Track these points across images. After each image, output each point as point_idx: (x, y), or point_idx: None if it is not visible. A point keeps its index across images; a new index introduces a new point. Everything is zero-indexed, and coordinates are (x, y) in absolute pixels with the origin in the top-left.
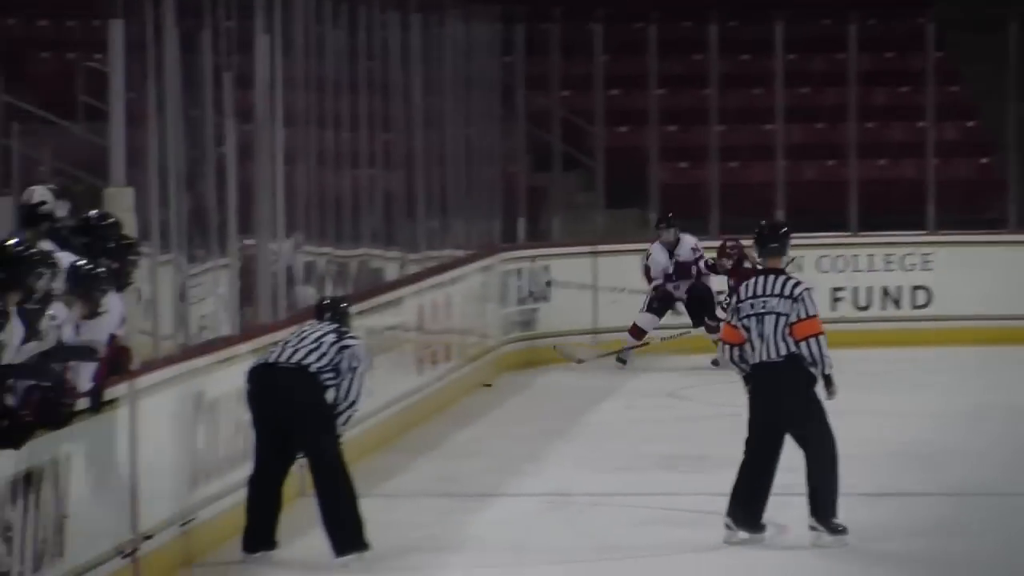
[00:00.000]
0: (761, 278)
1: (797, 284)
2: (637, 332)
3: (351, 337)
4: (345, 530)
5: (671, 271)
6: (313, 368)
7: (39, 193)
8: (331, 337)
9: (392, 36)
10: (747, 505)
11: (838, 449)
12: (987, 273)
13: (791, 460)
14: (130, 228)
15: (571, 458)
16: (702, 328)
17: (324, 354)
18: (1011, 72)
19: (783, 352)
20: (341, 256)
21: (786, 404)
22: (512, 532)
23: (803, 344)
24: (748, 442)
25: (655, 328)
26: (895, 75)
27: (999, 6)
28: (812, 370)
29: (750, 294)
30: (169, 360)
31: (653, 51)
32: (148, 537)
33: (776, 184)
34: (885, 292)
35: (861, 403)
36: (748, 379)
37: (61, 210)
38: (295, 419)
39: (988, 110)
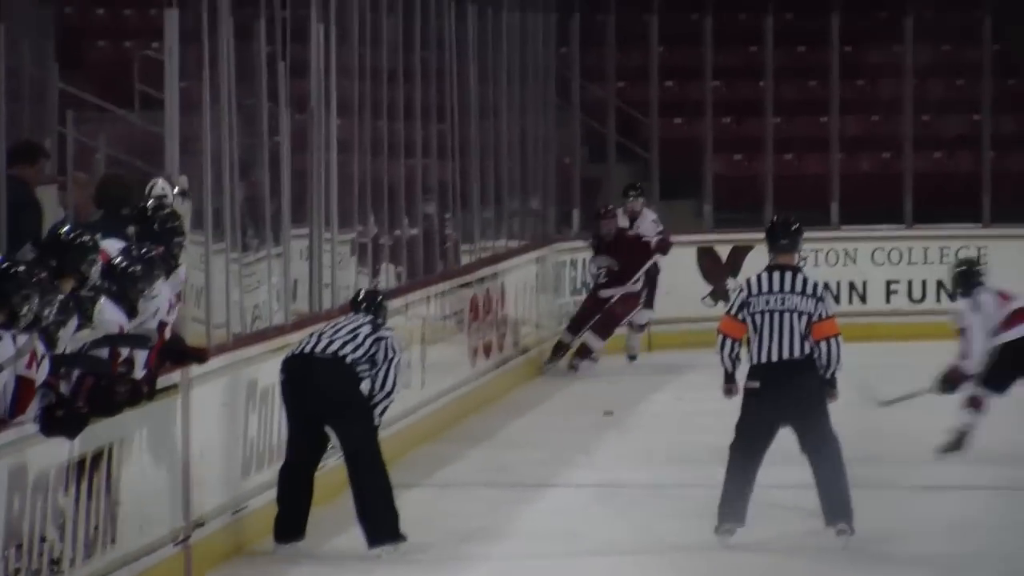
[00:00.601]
0: (776, 273)
1: (816, 282)
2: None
3: (387, 328)
4: (379, 521)
5: None
6: (349, 359)
7: (160, 186)
8: (367, 328)
9: (447, 26)
10: (740, 500)
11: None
12: None
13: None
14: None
15: (622, 449)
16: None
17: (360, 345)
18: None
19: (805, 351)
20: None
21: (801, 404)
22: (563, 522)
23: (823, 343)
24: (742, 440)
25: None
26: (951, 67)
27: None
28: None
29: (765, 289)
30: (222, 348)
31: (708, 42)
32: (200, 525)
33: (831, 176)
34: (939, 285)
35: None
36: (749, 376)
37: (180, 207)
38: (330, 409)
39: None
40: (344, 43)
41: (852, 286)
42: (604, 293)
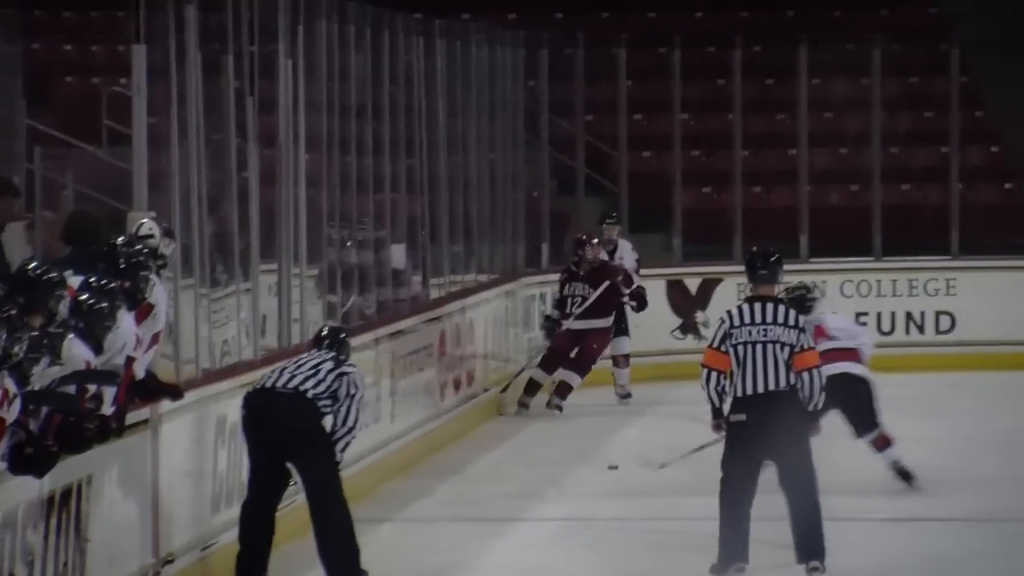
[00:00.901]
0: (758, 304)
1: (797, 314)
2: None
3: (349, 364)
4: (340, 558)
5: None
6: (310, 394)
7: (148, 226)
8: (329, 364)
9: (415, 60)
10: (740, 537)
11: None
12: (1011, 299)
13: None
14: None
15: (592, 483)
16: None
17: (321, 380)
18: None
19: (790, 382)
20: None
21: (783, 436)
22: (532, 557)
23: (805, 374)
24: (732, 476)
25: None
26: (919, 100)
27: (1023, 30)
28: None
29: (747, 320)
30: (191, 384)
31: (676, 76)
32: (169, 561)
33: (800, 209)
34: (909, 317)
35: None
36: (734, 409)
37: (167, 248)
38: (291, 445)
39: (1013, 135)
40: (312, 78)
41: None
42: (577, 325)
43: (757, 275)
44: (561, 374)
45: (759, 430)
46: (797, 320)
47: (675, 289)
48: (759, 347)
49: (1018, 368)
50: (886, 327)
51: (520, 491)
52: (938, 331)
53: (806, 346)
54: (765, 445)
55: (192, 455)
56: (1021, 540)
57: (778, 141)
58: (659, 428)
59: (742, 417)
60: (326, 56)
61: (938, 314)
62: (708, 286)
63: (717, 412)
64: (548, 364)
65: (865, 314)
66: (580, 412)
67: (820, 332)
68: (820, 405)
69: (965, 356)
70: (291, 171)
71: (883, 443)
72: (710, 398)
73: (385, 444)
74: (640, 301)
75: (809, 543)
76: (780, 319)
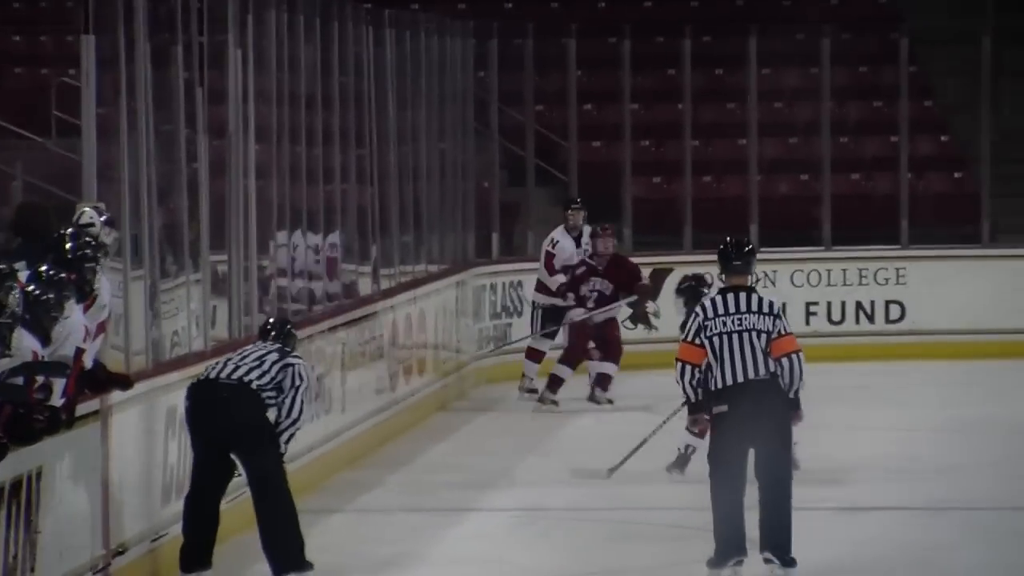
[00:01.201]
0: (731, 295)
1: (771, 300)
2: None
3: (295, 356)
4: (284, 550)
5: (575, 262)
6: (254, 385)
7: (88, 215)
8: (274, 356)
9: (365, 51)
10: (737, 531)
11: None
12: (960, 288)
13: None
14: None
15: (543, 473)
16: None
17: (266, 372)
18: (984, 86)
19: (769, 369)
20: (315, 272)
21: (766, 425)
22: (485, 547)
23: (784, 360)
24: (720, 469)
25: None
26: (869, 90)
27: (971, 19)
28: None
29: (721, 311)
30: (141, 375)
31: (626, 66)
32: (120, 552)
33: (750, 199)
34: (859, 307)
35: (834, 417)
36: (715, 401)
37: (107, 237)
38: (235, 436)
39: (961, 124)
40: (262, 69)
41: None
42: (598, 318)
43: (731, 266)
44: (597, 367)
45: (743, 419)
46: (772, 306)
47: None
48: (735, 337)
49: (968, 357)
50: (836, 317)
51: (472, 481)
52: (888, 320)
53: (783, 332)
54: (750, 433)
55: (142, 446)
56: (971, 527)
57: (728, 131)
58: (611, 418)
59: (724, 408)
60: (276, 46)
61: (888, 303)
62: (659, 275)
63: (694, 407)
64: (571, 360)
65: (815, 304)
66: (531, 403)
67: None
68: (800, 392)
69: (915, 345)
70: (241, 162)
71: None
72: (686, 393)
73: (336, 435)
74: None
75: (776, 534)
76: (755, 307)
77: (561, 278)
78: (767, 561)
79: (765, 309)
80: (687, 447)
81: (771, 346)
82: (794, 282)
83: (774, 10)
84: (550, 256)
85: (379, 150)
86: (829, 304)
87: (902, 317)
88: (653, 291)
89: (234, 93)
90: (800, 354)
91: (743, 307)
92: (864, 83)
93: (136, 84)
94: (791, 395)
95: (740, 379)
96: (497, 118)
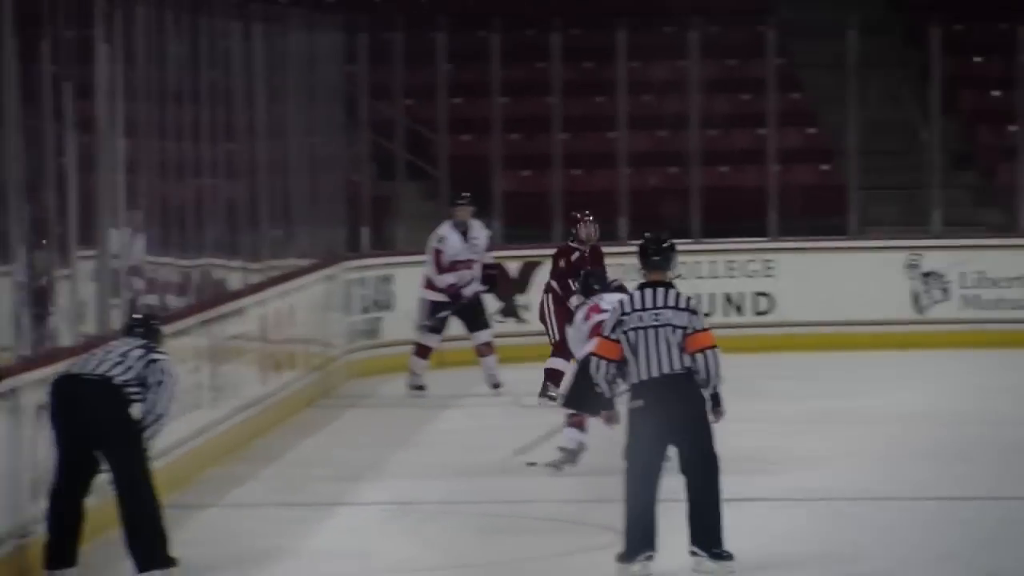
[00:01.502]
0: (649, 290)
1: (689, 297)
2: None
3: (160, 352)
4: (147, 547)
5: (463, 259)
6: (118, 380)
7: None
8: (138, 351)
9: (234, 45)
10: (648, 526)
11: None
12: (828, 280)
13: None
14: None
15: (414, 466)
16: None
17: (130, 367)
18: (851, 79)
19: (684, 364)
20: (183, 266)
21: (683, 419)
22: (356, 541)
23: (699, 356)
24: (635, 464)
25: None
26: (736, 82)
27: (839, 12)
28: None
29: (638, 306)
30: (8, 371)
31: (496, 59)
32: None
33: (619, 192)
34: (728, 299)
35: None
36: (632, 396)
37: None
38: (98, 432)
39: (829, 116)
40: (130, 63)
41: None
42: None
43: (650, 261)
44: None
45: (658, 415)
46: (688, 302)
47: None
48: (651, 331)
49: (835, 348)
50: (705, 309)
51: (343, 475)
52: (756, 312)
53: (699, 327)
54: (666, 429)
55: (9, 443)
56: (843, 517)
57: (597, 124)
58: (482, 412)
59: (640, 403)
60: (144, 41)
61: (756, 295)
62: (528, 269)
63: (608, 403)
64: (564, 351)
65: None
66: (402, 397)
67: (595, 308)
68: (719, 388)
69: (783, 337)
70: (110, 157)
71: (581, 424)
72: (600, 387)
73: (207, 429)
74: (493, 282)
75: (707, 530)
76: (671, 302)
77: (450, 278)
78: (693, 554)
79: (682, 305)
80: (579, 444)
81: (687, 341)
82: None
83: (643, 3)
84: (438, 253)
85: (249, 144)
86: (698, 296)
87: (770, 309)
88: (493, 281)
89: (103, 88)
90: (716, 350)
91: (660, 302)
92: (733, 76)
93: (2, 78)
94: (711, 391)
95: (655, 374)
96: (367, 112)
